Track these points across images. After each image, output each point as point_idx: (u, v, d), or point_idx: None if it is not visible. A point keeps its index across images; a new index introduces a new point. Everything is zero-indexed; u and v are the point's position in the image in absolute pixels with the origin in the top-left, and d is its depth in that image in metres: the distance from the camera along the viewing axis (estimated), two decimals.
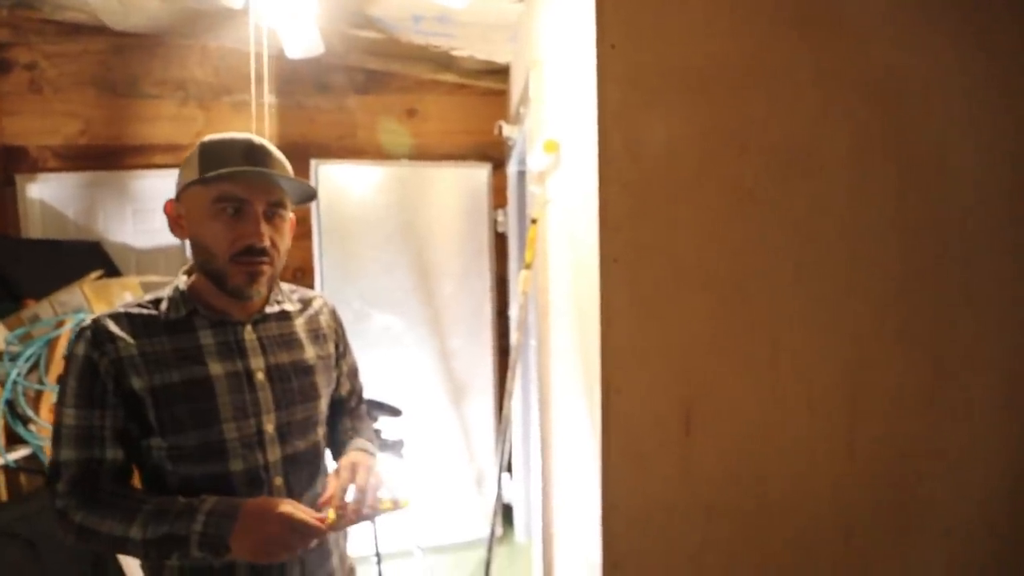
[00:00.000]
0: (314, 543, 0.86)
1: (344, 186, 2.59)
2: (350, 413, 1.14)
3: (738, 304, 1.05)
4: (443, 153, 2.95)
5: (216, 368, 0.91)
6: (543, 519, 1.84)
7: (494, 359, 2.76)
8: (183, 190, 0.92)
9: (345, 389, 1.13)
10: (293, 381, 0.97)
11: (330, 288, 2.58)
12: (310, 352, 1.02)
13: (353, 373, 1.16)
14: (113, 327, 0.89)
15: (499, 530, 2.76)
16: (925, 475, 1.10)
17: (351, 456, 1.00)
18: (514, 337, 1.86)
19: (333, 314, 1.12)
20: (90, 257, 2.48)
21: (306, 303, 1.07)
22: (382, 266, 2.63)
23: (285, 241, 0.96)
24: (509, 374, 1.84)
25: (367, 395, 1.98)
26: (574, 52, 1.20)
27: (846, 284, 1.07)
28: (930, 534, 1.11)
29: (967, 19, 1.07)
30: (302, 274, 2.85)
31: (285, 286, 1.06)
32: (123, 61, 2.73)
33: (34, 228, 2.67)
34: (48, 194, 2.70)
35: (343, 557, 1.07)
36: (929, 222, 1.08)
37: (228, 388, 0.91)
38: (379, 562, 2.00)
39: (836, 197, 1.06)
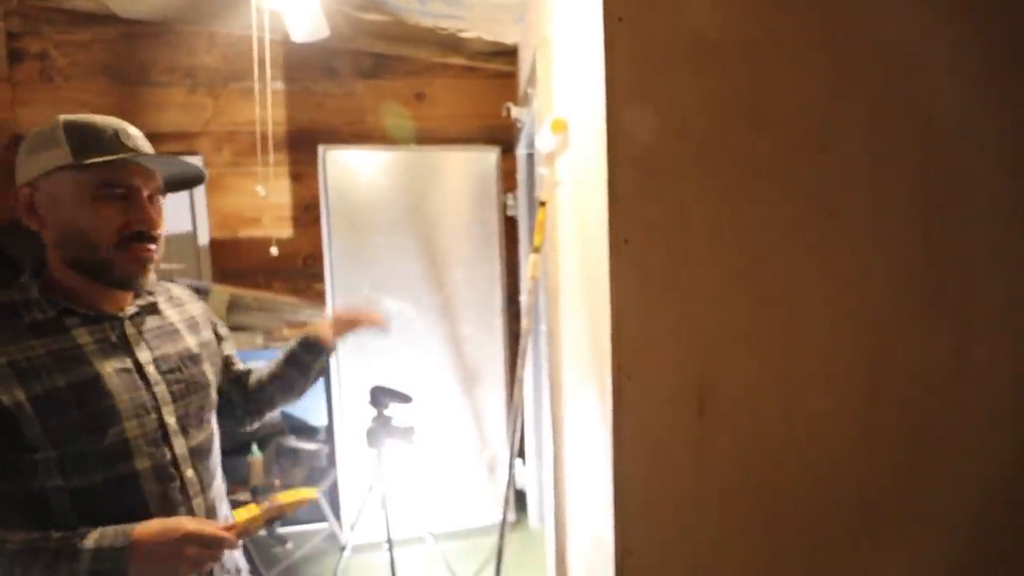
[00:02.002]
0: (224, 555, 0.86)
1: (353, 171, 2.57)
2: (247, 377, 1.17)
3: (752, 283, 1.02)
4: (452, 137, 2.92)
5: (103, 367, 0.86)
6: (555, 505, 1.83)
7: (505, 344, 2.75)
8: (46, 175, 0.84)
9: (240, 365, 1.15)
10: (183, 371, 0.95)
11: (339, 274, 2.58)
12: (191, 341, 0.99)
13: (227, 361, 1.14)
14: None
15: (512, 516, 2.77)
16: (947, 457, 1.07)
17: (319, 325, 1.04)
18: (524, 323, 1.84)
19: (200, 301, 1.10)
20: None
21: (169, 293, 1.04)
22: (391, 252, 2.62)
23: (163, 227, 0.92)
24: (519, 360, 1.83)
25: (377, 382, 1.98)
26: (581, 27, 1.16)
27: (865, 261, 1.03)
28: (952, 516, 1.08)
29: None
30: (312, 261, 2.85)
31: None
32: (132, 49, 2.73)
33: None
34: None
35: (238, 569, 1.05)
36: (952, 194, 1.04)
37: (122, 386, 0.86)
38: (391, 548, 2.01)
39: (854, 171, 1.02)
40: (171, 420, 0.91)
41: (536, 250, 1.73)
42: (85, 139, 0.85)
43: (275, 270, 2.83)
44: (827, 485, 1.05)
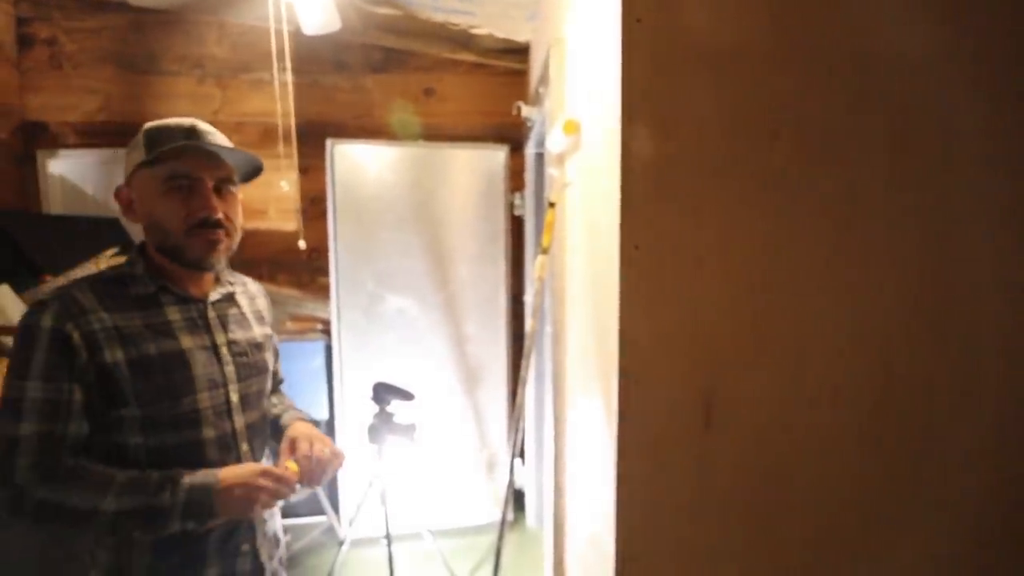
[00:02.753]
0: (290, 493, 0.96)
1: (360, 166, 2.56)
2: (275, 392, 1.23)
3: (762, 294, 1.01)
4: (460, 134, 2.91)
5: (187, 342, 0.96)
6: (555, 506, 1.83)
7: (508, 344, 2.74)
8: (132, 174, 0.95)
9: (274, 368, 1.21)
10: (249, 356, 1.05)
11: (345, 268, 2.57)
12: (257, 331, 1.09)
13: (277, 355, 1.22)
14: (84, 301, 0.90)
15: (510, 515, 2.77)
16: (952, 472, 1.06)
17: (299, 429, 1.09)
18: (529, 323, 1.83)
19: (267, 298, 1.19)
20: (108, 233, 2.50)
21: (245, 286, 1.14)
22: (397, 248, 2.61)
23: (238, 215, 1.01)
24: (524, 362, 1.82)
25: (381, 378, 1.98)
26: (597, 28, 1.15)
27: (876, 275, 1.02)
28: (956, 533, 1.07)
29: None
30: (317, 254, 2.85)
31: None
32: (142, 37, 2.72)
33: (54, 204, 2.70)
34: (68, 170, 2.72)
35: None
36: (968, 210, 1.03)
37: (201, 361, 0.97)
38: (389, 544, 2.01)
39: (869, 184, 1.00)
40: (235, 397, 1.00)
41: (544, 251, 1.72)
42: (158, 138, 0.94)
43: (280, 262, 2.83)
44: (831, 499, 1.04)
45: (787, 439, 1.03)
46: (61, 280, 2.01)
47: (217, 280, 1.05)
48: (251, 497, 0.91)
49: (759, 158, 0.99)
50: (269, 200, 2.80)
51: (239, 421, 1.00)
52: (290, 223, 2.88)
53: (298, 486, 0.99)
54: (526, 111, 2.37)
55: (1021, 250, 1.04)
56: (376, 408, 1.94)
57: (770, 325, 1.01)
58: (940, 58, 1.00)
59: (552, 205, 1.67)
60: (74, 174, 2.73)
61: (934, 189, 1.02)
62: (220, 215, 0.95)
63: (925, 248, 1.02)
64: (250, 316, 1.09)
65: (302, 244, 2.32)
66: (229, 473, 0.91)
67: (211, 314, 1.01)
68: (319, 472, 1.02)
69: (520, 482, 2.84)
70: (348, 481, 2.62)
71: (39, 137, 2.70)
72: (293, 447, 1.04)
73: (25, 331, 0.88)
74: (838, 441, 1.04)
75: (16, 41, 2.64)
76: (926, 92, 1.00)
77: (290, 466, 1.00)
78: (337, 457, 1.06)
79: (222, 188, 0.97)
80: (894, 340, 1.03)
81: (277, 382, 1.24)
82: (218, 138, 0.98)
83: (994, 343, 1.05)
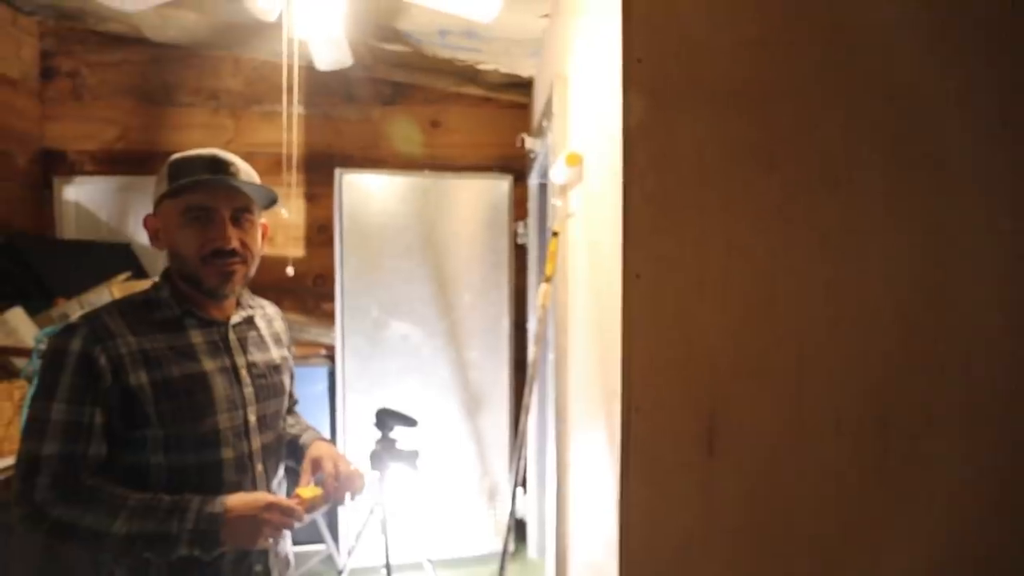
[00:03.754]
0: (296, 524, 0.97)
1: (367, 195, 2.62)
2: (290, 412, 1.25)
3: (764, 321, 1.02)
4: (465, 164, 2.97)
5: (209, 364, 0.99)
6: (557, 537, 1.81)
7: (510, 372, 2.75)
8: (157, 204, 1.00)
9: (290, 390, 1.22)
10: (268, 378, 1.07)
11: (349, 295, 2.60)
12: (275, 353, 1.12)
13: (293, 377, 1.23)
14: (112, 325, 0.93)
15: (512, 546, 2.73)
16: (960, 499, 1.06)
17: (322, 448, 1.12)
18: (532, 351, 1.85)
19: (284, 320, 1.22)
20: (120, 258, 2.55)
21: (264, 309, 1.17)
22: (402, 275, 2.64)
23: (256, 243, 1.04)
24: (526, 389, 1.83)
25: (384, 404, 1.98)
26: (599, 66, 1.20)
27: (876, 301, 1.04)
28: (961, 555, 1.06)
29: (996, 27, 1.04)
30: (323, 280, 2.88)
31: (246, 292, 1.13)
32: (160, 71, 2.82)
33: (68, 229, 2.75)
34: (83, 196, 2.79)
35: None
36: (963, 238, 1.05)
37: (222, 383, 0.99)
38: (389, 573, 1.98)
39: (867, 211, 1.03)
40: (252, 418, 1.03)
41: (548, 279, 1.75)
42: (180, 171, 0.97)
43: (285, 288, 2.86)
44: (835, 525, 1.04)
45: (790, 465, 1.03)
46: (74, 304, 2.04)
47: (238, 304, 1.08)
48: (256, 530, 0.92)
49: (757, 188, 1.02)
50: (277, 227, 2.85)
51: (255, 442, 1.03)
52: (297, 250, 2.92)
53: (307, 516, 1.00)
54: (529, 143, 2.43)
55: (1020, 273, 1.06)
56: (379, 434, 1.94)
57: (771, 351, 1.02)
58: (934, 84, 1.03)
59: (555, 234, 1.71)
60: (89, 200, 2.79)
61: (931, 214, 1.04)
62: (235, 244, 0.98)
63: (922, 272, 1.04)
64: (268, 338, 1.12)
65: (290, 271, 2.36)
66: (237, 503, 0.92)
67: (232, 337, 1.04)
68: (343, 491, 1.06)
69: (522, 512, 2.80)
70: (348, 509, 2.60)
71: (57, 164, 2.77)
72: (316, 467, 1.07)
73: (54, 354, 0.91)
74: (841, 466, 1.04)
75: (40, 73, 2.74)
76: (921, 118, 1.03)
77: (307, 491, 1.02)
78: (360, 477, 1.09)
79: (240, 217, 1.00)
80: (894, 364, 1.04)
81: (292, 403, 1.26)
82: (239, 168, 1.01)
83: (993, 367, 1.05)
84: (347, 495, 1.07)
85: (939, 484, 1.06)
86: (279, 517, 0.94)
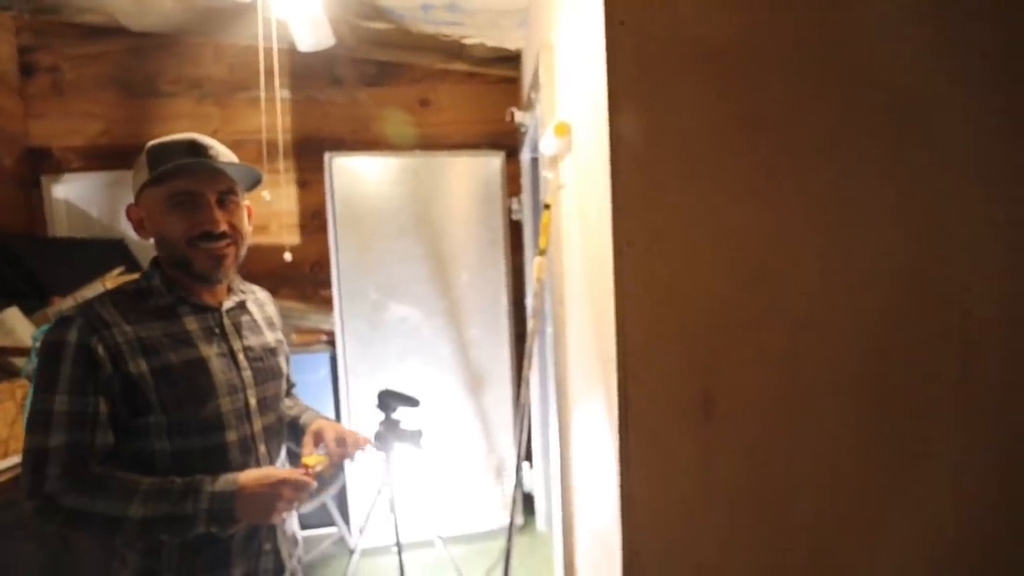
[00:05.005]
0: (306, 495, 1.00)
1: (359, 178, 2.60)
2: (288, 395, 1.26)
3: (757, 287, 1.02)
4: (456, 142, 2.94)
5: (207, 350, 1.00)
6: (563, 508, 1.83)
7: (511, 348, 2.76)
8: (139, 193, 0.99)
9: (287, 372, 1.24)
10: (264, 361, 1.08)
11: (347, 279, 2.60)
12: (269, 337, 1.12)
13: (288, 360, 1.23)
14: (106, 315, 0.93)
15: (519, 519, 2.77)
16: (951, 460, 1.06)
17: (322, 422, 1.16)
18: (530, 325, 1.85)
19: (275, 304, 1.22)
20: (113, 254, 2.54)
21: (255, 294, 1.17)
22: (398, 257, 2.63)
23: (244, 224, 1.04)
24: (525, 362, 1.83)
25: (386, 385, 1.99)
26: (583, 31, 1.17)
27: (871, 264, 1.03)
28: (955, 520, 1.07)
29: (988, 15, 1.01)
30: (319, 267, 2.87)
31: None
32: (140, 61, 2.77)
33: (60, 227, 2.74)
34: (73, 194, 2.76)
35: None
36: (955, 207, 1.04)
37: (220, 368, 1.00)
38: (399, 551, 2.02)
39: (861, 175, 1.02)
40: (253, 401, 1.04)
41: (541, 253, 1.74)
42: (159, 157, 0.96)
43: (282, 276, 2.85)
44: (834, 486, 1.05)
45: (787, 428, 1.04)
46: (69, 302, 2.04)
47: (230, 289, 1.08)
48: (271, 504, 0.94)
49: (746, 153, 1.00)
50: (271, 215, 2.83)
51: (257, 424, 1.04)
52: (292, 237, 2.91)
53: (316, 484, 1.03)
54: (519, 117, 2.40)
55: (1015, 238, 1.05)
56: (382, 415, 1.95)
57: (765, 316, 1.02)
58: (925, 50, 1.01)
59: (547, 207, 1.69)
60: (79, 197, 2.77)
61: (924, 179, 1.03)
62: (223, 227, 0.98)
63: (917, 236, 1.03)
64: (261, 322, 1.12)
65: (288, 256, 2.35)
66: (249, 479, 0.94)
67: (226, 322, 1.04)
68: (347, 453, 1.10)
69: (529, 485, 2.84)
70: (357, 490, 2.63)
71: (43, 162, 2.75)
72: (318, 438, 1.10)
73: (51, 346, 0.90)
74: (837, 428, 1.04)
75: (19, 70, 2.70)
76: (911, 82, 1.01)
77: (312, 459, 1.05)
78: (362, 436, 1.14)
79: (225, 200, 0.99)
80: (888, 328, 1.04)
81: (290, 386, 1.27)
82: (218, 150, 1.00)
83: (988, 333, 1.05)
84: (353, 453, 1.11)
85: (936, 442, 1.06)
86: (291, 491, 0.96)
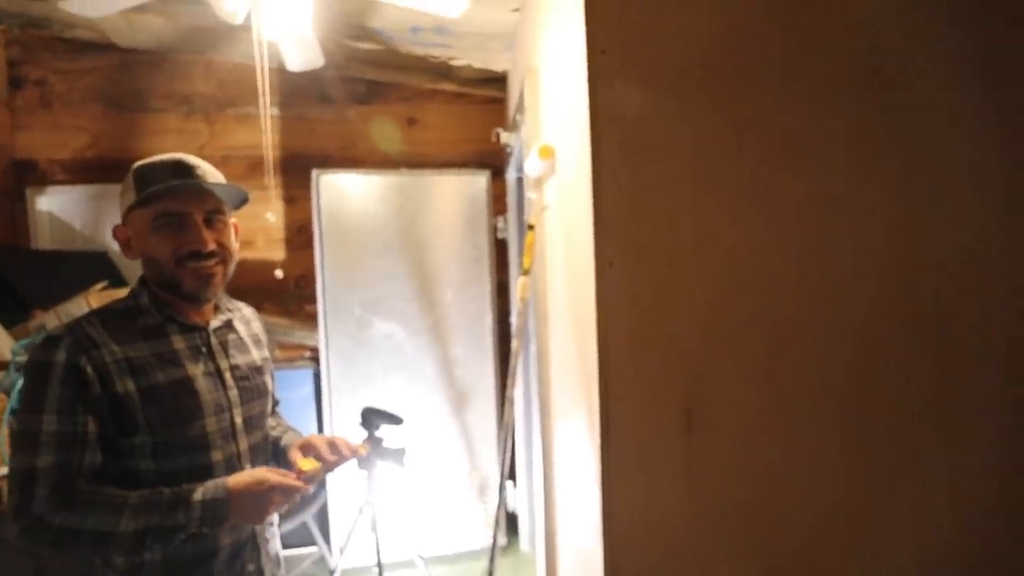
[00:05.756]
0: (297, 498, 1.00)
1: (345, 195, 2.61)
2: (272, 414, 1.25)
3: (737, 301, 1.04)
4: (443, 161, 2.97)
5: (193, 369, 1.00)
6: (546, 528, 1.83)
7: (495, 366, 2.76)
8: (126, 214, 0.99)
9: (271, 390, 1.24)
10: (250, 380, 1.08)
11: (332, 296, 2.60)
12: (255, 355, 1.13)
13: (273, 377, 1.23)
14: (93, 334, 0.93)
15: (502, 540, 2.74)
16: (933, 471, 1.08)
17: (306, 437, 1.15)
18: (514, 343, 1.86)
19: (261, 322, 1.22)
20: (97, 267, 2.51)
21: (241, 312, 1.17)
22: (383, 274, 2.64)
23: (232, 242, 1.04)
24: (509, 380, 1.84)
25: (369, 403, 1.98)
26: (567, 57, 1.21)
27: (850, 278, 1.05)
28: (938, 529, 1.09)
29: (974, 12, 1.06)
30: (304, 282, 2.87)
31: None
32: (129, 77, 2.78)
33: (43, 239, 2.71)
34: (57, 206, 2.74)
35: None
36: (934, 214, 1.06)
37: (206, 387, 1.00)
38: (380, 572, 1.99)
39: (836, 190, 1.04)
40: (239, 420, 1.03)
41: (525, 272, 1.76)
42: (146, 179, 0.97)
43: (267, 291, 2.84)
44: (818, 498, 1.05)
45: (769, 441, 1.04)
46: (51, 315, 2.01)
47: (216, 308, 1.08)
48: (263, 505, 0.94)
49: (726, 171, 1.02)
50: (257, 231, 2.83)
51: (243, 443, 1.04)
52: (278, 252, 2.91)
53: (308, 487, 1.03)
54: (505, 137, 2.44)
55: (988, 252, 1.07)
56: (365, 433, 1.94)
57: (745, 330, 1.03)
58: (895, 66, 1.04)
59: (531, 227, 1.72)
60: (63, 210, 2.75)
61: (900, 185, 1.05)
62: (212, 246, 0.98)
63: (895, 252, 1.05)
64: (248, 341, 1.12)
65: (279, 273, 2.35)
66: (237, 480, 0.94)
67: (213, 341, 1.04)
68: (341, 459, 1.09)
69: (513, 505, 2.82)
70: (338, 509, 2.60)
71: (28, 175, 2.72)
72: (308, 449, 1.09)
73: (38, 366, 0.90)
74: (819, 441, 1.05)
75: (7, 83, 2.69)
76: (885, 99, 1.04)
77: (305, 464, 1.05)
78: (358, 445, 1.14)
79: (212, 219, 1.00)
80: (869, 339, 1.05)
81: (274, 403, 1.26)
82: (205, 170, 1.01)
83: (967, 340, 1.07)
84: (347, 459, 1.11)
85: (919, 452, 1.07)
86: (281, 496, 0.96)
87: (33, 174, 2.73)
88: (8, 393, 1.82)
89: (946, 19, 1.06)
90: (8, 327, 1.97)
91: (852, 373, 1.05)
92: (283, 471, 1.01)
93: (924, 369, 1.07)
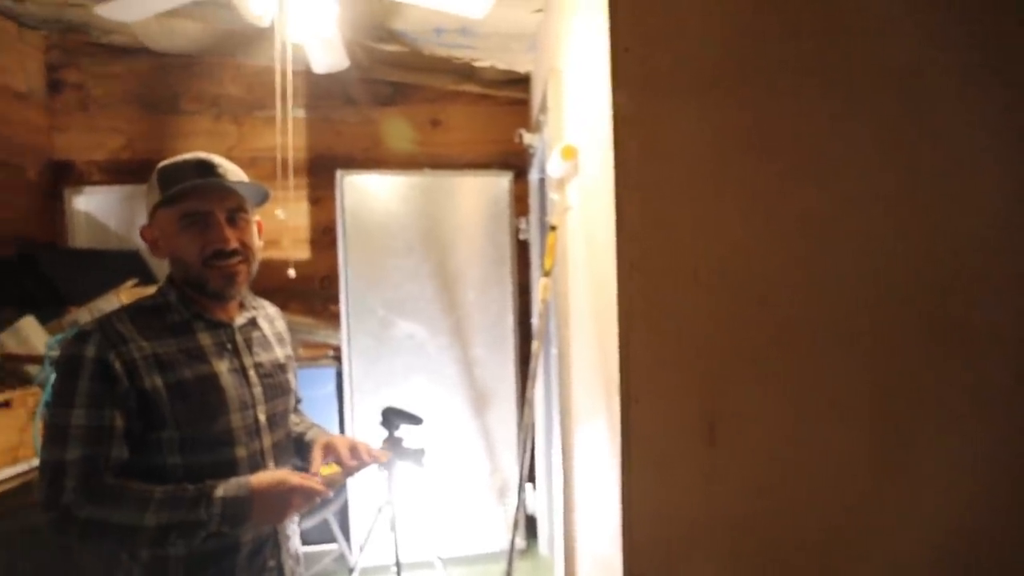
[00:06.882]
0: (317, 501, 1.00)
1: (369, 195, 2.64)
2: (295, 411, 1.26)
3: (760, 309, 1.02)
4: (466, 162, 2.98)
5: (219, 366, 1.01)
6: (565, 532, 1.81)
7: (516, 368, 2.75)
8: (152, 213, 1.01)
9: (298, 391, 1.24)
10: (274, 377, 1.09)
11: (354, 295, 2.62)
12: (279, 353, 1.13)
13: (296, 375, 1.23)
14: (123, 330, 0.95)
15: (521, 542, 2.73)
16: (957, 485, 1.04)
17: (333, 437, 1.15)
18: (535, 345, 1.85)
19: (284, 320, 1.23)
20: (129, 265, 2.58)
21: (265, 310, 1.18)
22: (405, 274, 2.65)
23: (254, 240, 1.05)
24: (529, 383, 1.83)
25: (390, 403, 2.00)
26: (589, 57, 1.20)
27: (874, 287, 1.02)
28: (963, 544, 1.05)
29: (987, 12, 1.02)
30: (328, 282, 2.90)
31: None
32: (162, 80, 2.85)
33: (79, 238, 2.80)
34: (93, 206, 2.83)
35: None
36: (957, 222, 1.03)
37: (232, 384, 1.01)
38: (399, 572, 2.00)
39: (861, 198, 1.02)
40: (263, 417, 1.04)
41: (547, 274, 1.75)
42: (170, 178, 0.98)
43: (292, 291, 2.88)
44: (839, 515, 1.03)
45: (792, 454, 1.02)
46: (84, 312, 2.08)
47: (241, 305, 1.09)
48: (284, 505, 0.95)
49: (750, 174, 1.01)
50: (283, 231, 2.88)
51: (267, 440, 1.05)
52: (303, 252, 2.95)
53: (328, 492, 1.03)
54: (528, 138, 2.43)
55: (1013, 257, 1.04)
56: (385, 433, 1.95)
57: (769, 338, 1.02)
58: (918, 75, 1.02)
59: (553, 228, 1.71)
60: (98, 209, 2.83)
61: (922, 200, 1.02)
62: (234, 245, 1.00)
63: (919, 259, 1.03)
64: (272, 338, 1.13)
65: (291, 272, 2.37)
66: (260, 480, 0.95)
67: (238, 338, 1.05)
68: (361, 464, 1.10)
69: (532, 508, 2.80)
70: (358, 507, 2.62)
71: (66, 175, 2.82)
72: (329, 451, 1.09)
73: (69, 360, 0.92)
74: (843, 455, 1.03)
75: (47, 86, 2.79)
76: (909, 107, 1.02)
77: (325, 469, 1.06)
78: (379, 451, 1.13)
79: (235, 217, 1.01)
80: (893, 350, 1.03)
81: (296, 401, 1.27)
82: (227, 168, 1.02)
83: (998, 351, 1.04)
84: (367, 464, 1.11)
85: (942, 467, 1.04)
86: (302, 498, 0.97)
87: (71, 175, 2.82)
88: (43, 387, 1.88)
89: (967, 33, 1.02)
90: (44, 323, 2.03)
91: (875, 388, 1.03)
92: (305, 475, 1.02)
93: (951, 383, 1.04)
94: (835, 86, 1.01)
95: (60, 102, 2.81)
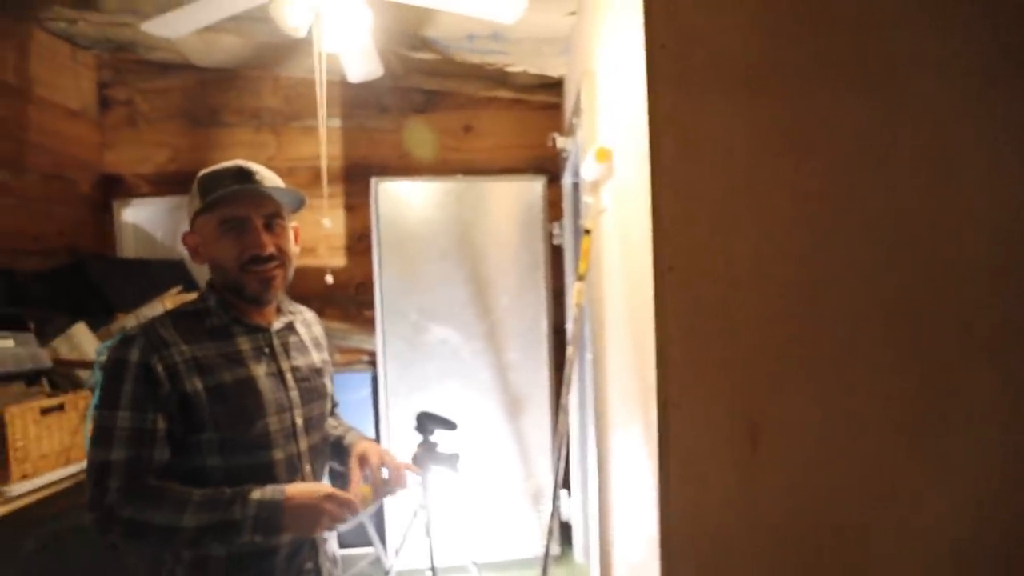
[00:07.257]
0: (352, 516, 0.99)
1: (403, 202, 2.66)
2: (331, 414, 1.25)
3: (803, 312, 0.98)
4: (499, 167, 2.98)
5: (257, 369, 1.02)
6: (600, 538, 1.78)
7: (551, 373, 2.73)
8: (193, 221, 1.04)
9: (331, 392, 1.24)
10: (311, 381, 1.10)
11: (389, 301, 2.65)
12: (316, 357, 1.14)
13: (332, 380, 1.24)
14: (165, 334, 0.97)
15: (556, 549, 2.69)
16: (1005, 497, 0.98)
17: (366, 445, 1.14)
18: (569, 350, 1.83)
19: (321, 325, 1.24)
20: (174, 274, 2.68)
21: (303, 315, 1.19)
22: (439, 280, 2.67)
23: (290, 245, 1.06)
24: (564, 388, 1.81)
25: (424, 408, 2.00)
26: (624, 56, 1.18)
27: (924, 290, 0.98)
28: (1007, 557, 0.98)
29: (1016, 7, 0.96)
30: (363, 288, 2.94)
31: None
32: (205, 94, 2.96)
33: (128, 248, 2.92)
34: (140, 217, 2.95)
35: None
36: (996, 218, 0.98)
37: (269, 387, 1.02)
38: (434, 575, 1.99)
39: (912, 197, 0.97)
40: (299, 421, 1.06)
41: (581, 278, 1.73)
42: (209, 186, 1.01)
43: (328, 297, 2.94)
44: (887, 528, 0.99)
45: (839, 464, 0.98)
46: (131, 318, 2.16)
47: (279, 310, 1.11)
48: (317, 518, 0.95)
49: (790, 175, 0.98)
50: (319, 238, 2.94)
51: (303, 443, 1.06)
52: (339, 259, 3.00)
53: (364, 510, 1.03)
54: (561, 142, 2.42)
55: None
56: (420, 438, 1.96)
57: (812, 343, 0.98)
58: (973, 67, 0.97)
59: (588, 232, 1.69)
60: (145, 221, 2.95)
61: (980, 199, 0.98)
62: (271, 250, 1.02)
63: (974, 262, 0.98)
64: (308, 343, 1.14)
65: (329, 279, 2.41)
66: (296, 491, 0.96)
67: (275, 342, 1.07)
68: (390, 489, 1.10)
69: (567, 514, 2.77)
70: (394, 511, 2.64)
71: (115, 188, 2.95)
72: (363, 463, 1.10)
73: (115, 364, 0.95)
74: (894, 465, 0.98)
75: (98, 103, 2.93)
76: (968, 101, 0.97)
77: (362, 489, 1.06)
78: (404, 472, 1.13)
79: (271, 223, 1.03)
80: (948, 359, 0.98)
81: (333, 405, 1.29)
82: (263, 175, 1.04)
83: (1020, 344, 0.98)
84: (394, 490, 1.12)
85: (992, 477, 0.99)
86: (336, 507, 0.97)
87: (120, 187, 2.95)
88: (93, 391, 1.96)
89: (1001, 47, 0.96)
90: (94, 329, 2.12)
91: (930, 394, 0.98)
92: (339, 492, 1.02)
93: (1014, 390, 0.98)
94: (873, 82, 0.97)
95: (110, 118, 2.94)
